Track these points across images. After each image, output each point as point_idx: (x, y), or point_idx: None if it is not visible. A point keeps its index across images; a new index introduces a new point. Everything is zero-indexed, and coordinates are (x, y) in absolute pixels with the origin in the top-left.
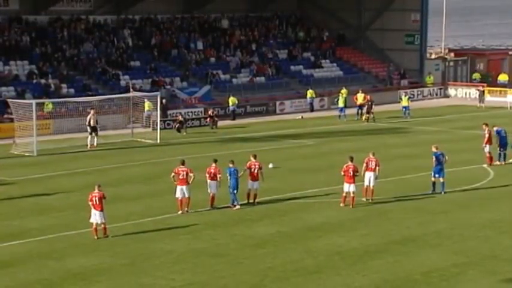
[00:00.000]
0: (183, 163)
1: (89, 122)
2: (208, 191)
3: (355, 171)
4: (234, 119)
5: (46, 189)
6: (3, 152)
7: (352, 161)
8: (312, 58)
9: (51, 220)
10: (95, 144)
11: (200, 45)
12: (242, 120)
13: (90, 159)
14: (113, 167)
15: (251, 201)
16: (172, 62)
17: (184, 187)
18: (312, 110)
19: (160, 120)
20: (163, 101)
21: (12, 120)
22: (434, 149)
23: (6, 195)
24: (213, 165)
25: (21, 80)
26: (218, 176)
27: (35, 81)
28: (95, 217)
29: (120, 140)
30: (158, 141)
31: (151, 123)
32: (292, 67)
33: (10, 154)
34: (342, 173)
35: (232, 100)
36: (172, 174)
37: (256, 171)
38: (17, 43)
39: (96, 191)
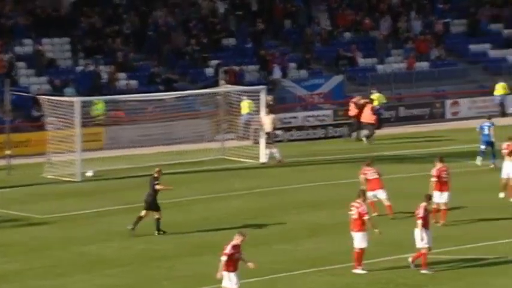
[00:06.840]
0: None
1: None
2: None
3: None
4: (379, 126)
5: (97, 232)
6: (33, 176)
7: None
8: (505, 32)
9: (104, 279)
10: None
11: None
12: (392, 129)
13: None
14: (199, 198)
15: None
16: (284, 38)
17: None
18: (503, 113)
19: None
20: (269, 98)
21: (44, 127)
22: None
23: (37, 240)
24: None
25: (59, 67)
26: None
27: (79, 68)
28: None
29: (205, 157)
30: (264, 160)
31: (252, 133)
32: (471, 46)
33: (42, 179)
34: None
35: (377, 98)
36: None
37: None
38: (55, 12)
39: None
